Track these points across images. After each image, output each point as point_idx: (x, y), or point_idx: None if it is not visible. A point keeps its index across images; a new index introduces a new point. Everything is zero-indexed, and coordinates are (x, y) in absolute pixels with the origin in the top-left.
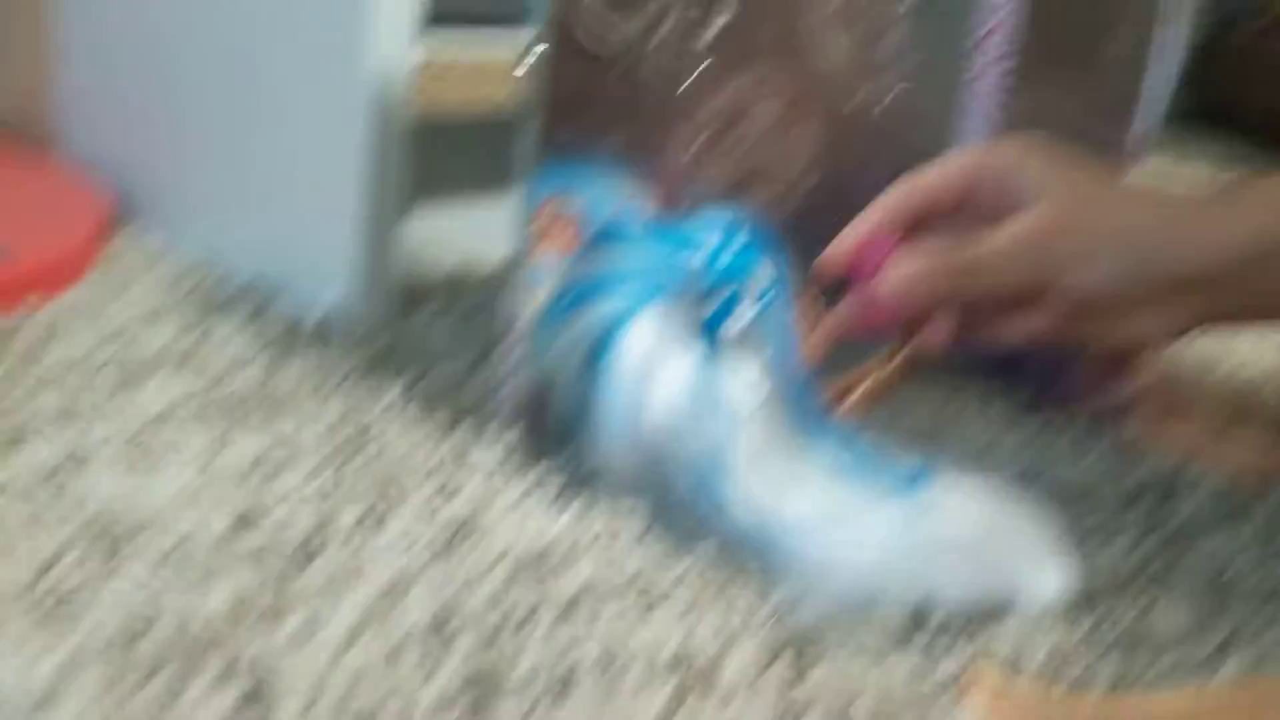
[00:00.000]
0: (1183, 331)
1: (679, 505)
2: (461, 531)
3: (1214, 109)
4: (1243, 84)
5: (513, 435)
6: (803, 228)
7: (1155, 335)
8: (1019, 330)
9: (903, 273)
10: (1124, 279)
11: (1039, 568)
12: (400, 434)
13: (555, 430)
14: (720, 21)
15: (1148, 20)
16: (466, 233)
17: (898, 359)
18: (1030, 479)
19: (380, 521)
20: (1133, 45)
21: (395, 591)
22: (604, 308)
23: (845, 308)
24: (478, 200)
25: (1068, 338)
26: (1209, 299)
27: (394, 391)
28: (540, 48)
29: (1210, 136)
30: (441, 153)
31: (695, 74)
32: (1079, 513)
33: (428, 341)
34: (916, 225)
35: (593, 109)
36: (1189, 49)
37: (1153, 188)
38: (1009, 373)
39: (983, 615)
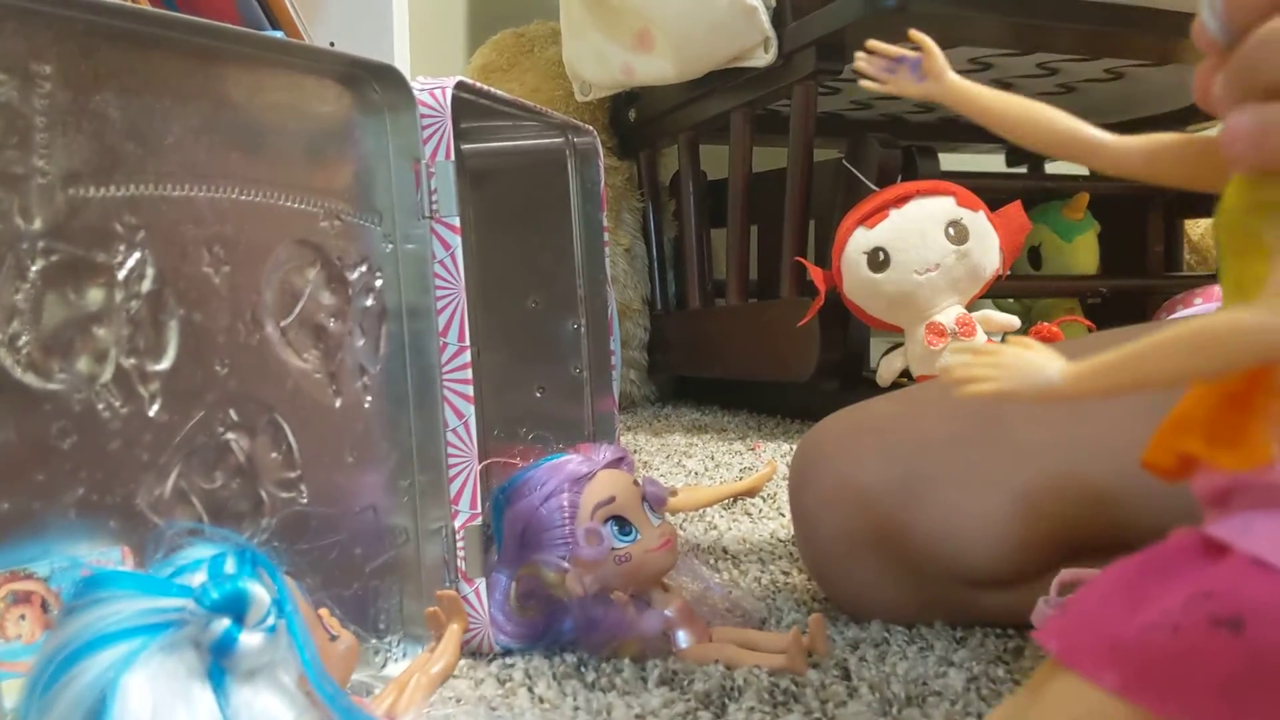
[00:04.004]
0: None
1: None
2: None
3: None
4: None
5: None
6: (292, 536)
7: None
8: None
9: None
10: None
11: None
12: None
13: None
14: (164, 366)
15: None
16: None
17: (442, 646)
18: None
19: None
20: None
21: None
22: (90, 674)
23: None
24: None
25: None
26: None
27: None
28: None
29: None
30: None
31: (151, 413)
32: None
33: None
34: None
35: (42, 468)
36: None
37: None
38: (546, 637)
39: None
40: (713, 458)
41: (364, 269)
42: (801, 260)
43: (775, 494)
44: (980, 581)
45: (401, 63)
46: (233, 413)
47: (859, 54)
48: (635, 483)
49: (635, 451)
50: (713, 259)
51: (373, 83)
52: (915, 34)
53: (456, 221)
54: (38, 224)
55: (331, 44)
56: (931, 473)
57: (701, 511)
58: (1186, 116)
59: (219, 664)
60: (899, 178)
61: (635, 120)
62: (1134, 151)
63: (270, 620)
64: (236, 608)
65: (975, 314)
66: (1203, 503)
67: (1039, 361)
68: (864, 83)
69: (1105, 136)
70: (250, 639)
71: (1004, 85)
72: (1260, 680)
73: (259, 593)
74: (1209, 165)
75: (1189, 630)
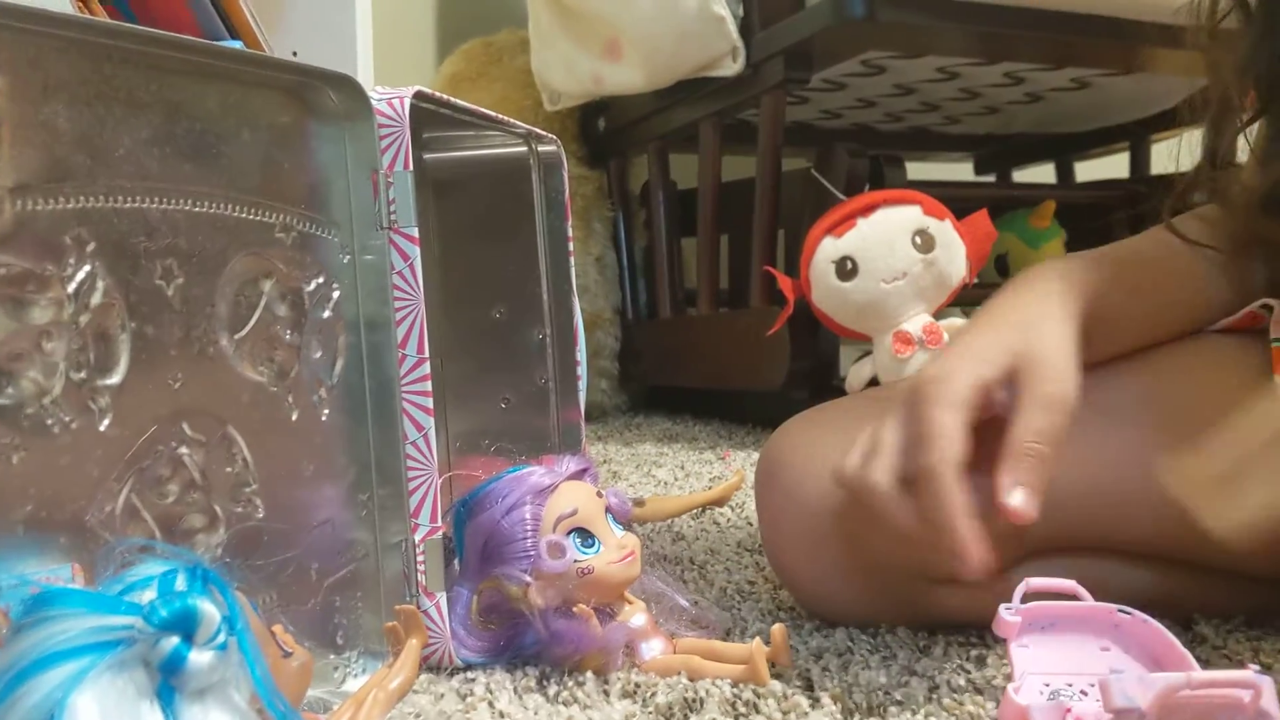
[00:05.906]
0: None
1: None
2: None
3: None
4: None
5: None
6: (248, 551)
7: None
8: None
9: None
10: None
11: None
12: None
13: None
14: (115, 380)
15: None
16: None
17: (400, 661)
18: None
19: None
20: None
21: None
22: (38, 693)
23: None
24: None
25: None
26: None
27: None
28: None
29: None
30: None
31: (102, 428)
32: None
33: None
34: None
35: None
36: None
37: None
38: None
39: None
40: (683, 467)
41: (321, 280)
42: (770, 269)
43: (743, 504)
44: (938, 578)
45: (365, 73)
46: (186, 427)
47: None
48: (599, 494)
49: (606, 461)
50: (683, 268)
51: (329, 92)
52: None
53: (415, 232)
54: None
55: (294, 54)
56: None
57: (670, 521)
58: (1152, 125)
59: (168, 682)
60: (867, 186)
61: (605, 129)
62: None
63: (221, 638)
64: (186, 625)
65: (942, 322)
66: None
67: None
68: None
69: None
70: (200, 657)
71: (972, 94)
72: None
73: (209, 610)
74: None
75: None
